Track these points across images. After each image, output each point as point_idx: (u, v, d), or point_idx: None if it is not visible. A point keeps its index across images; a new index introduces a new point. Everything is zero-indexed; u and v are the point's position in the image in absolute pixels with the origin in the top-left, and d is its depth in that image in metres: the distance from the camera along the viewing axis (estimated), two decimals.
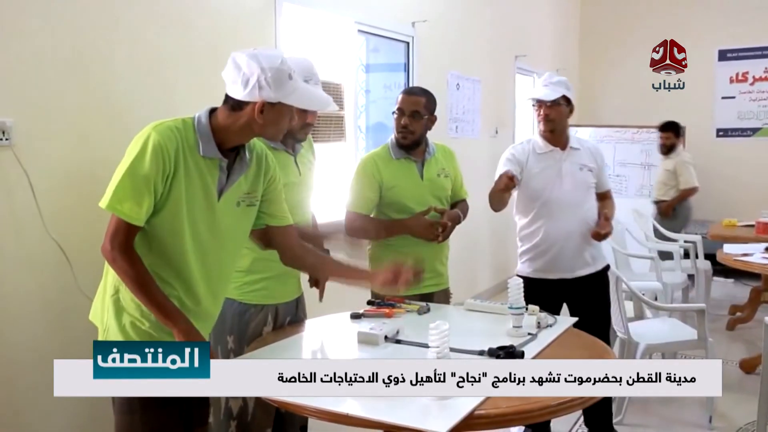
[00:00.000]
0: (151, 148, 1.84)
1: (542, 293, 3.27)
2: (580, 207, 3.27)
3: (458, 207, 3.11)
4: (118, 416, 1.97)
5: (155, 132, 1.86)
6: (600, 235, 3.22)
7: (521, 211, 3.38)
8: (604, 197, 3.45)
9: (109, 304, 1.97)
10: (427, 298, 2.96)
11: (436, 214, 2.94)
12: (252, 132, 1.97)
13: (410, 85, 5.23)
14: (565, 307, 3.35)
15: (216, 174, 1.97)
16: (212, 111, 1.98)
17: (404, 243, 2.94)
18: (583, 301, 3.36)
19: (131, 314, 1.94)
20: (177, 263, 1.96)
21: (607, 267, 3.47)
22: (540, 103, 3.26)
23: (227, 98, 1.95)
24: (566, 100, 3.28)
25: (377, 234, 2.98)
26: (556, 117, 3.25)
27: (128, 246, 1.87)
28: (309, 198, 2.67)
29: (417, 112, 2.92)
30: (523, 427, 3.45)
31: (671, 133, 6.79)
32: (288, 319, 2.54)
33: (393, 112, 2.98)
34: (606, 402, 3.51)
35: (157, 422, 1.95)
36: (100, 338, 1.99)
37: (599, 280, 3.40)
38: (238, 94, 1.91)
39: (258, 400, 2.37)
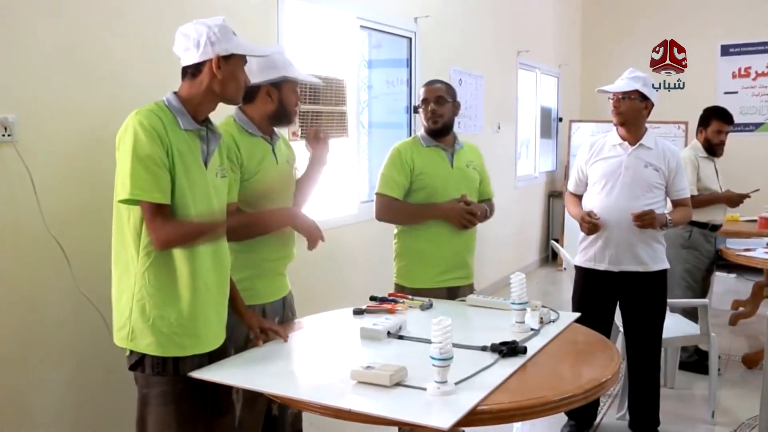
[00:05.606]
0: (142, 130, 1.91)
1: (593, 285, 3.40)
2: (634, 202, 3.26)
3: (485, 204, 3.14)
4: (154, 408, 2.02)
5: (139, 116, 1.94)
6: (637, 218, 3.17)
7: (587, 197, 3.44)
8: (678, 204, 3.41)
9: (133, 311, 1.99)
10: (453, 292, 2.98)
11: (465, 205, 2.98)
12: (215, 94, 2.04)
13: (412, 81, 5.24)
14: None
15: (198, 144, 2.05)
16: (175, 93, 2.06)
17: (434, 232, 2.97)
18: (634, 302, 3.39)
19: (156, 312, 1.98)
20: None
21: (665, 271, 3.41)
22: (613, 95, 3.31)
23: (185, 71, 2.05)
24: (641, 95, 3.27)
25: (408, 217, 3.02)
26: (625, 110, 3.29)
27: (168, 221, 1.92)
28: (285, 193, 2.55)
29: (441, 97, 3.04)
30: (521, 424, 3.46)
31: None
32: (277, 319, 2.50)
33: (419, 107, 3.09)
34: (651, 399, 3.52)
35: (189, 412, 2.04)
36: (127, 346, 2.02)
37: (652, 282, 3.36)
38: (193, 58, 2.01)
39: (245, 405, 2.33)
